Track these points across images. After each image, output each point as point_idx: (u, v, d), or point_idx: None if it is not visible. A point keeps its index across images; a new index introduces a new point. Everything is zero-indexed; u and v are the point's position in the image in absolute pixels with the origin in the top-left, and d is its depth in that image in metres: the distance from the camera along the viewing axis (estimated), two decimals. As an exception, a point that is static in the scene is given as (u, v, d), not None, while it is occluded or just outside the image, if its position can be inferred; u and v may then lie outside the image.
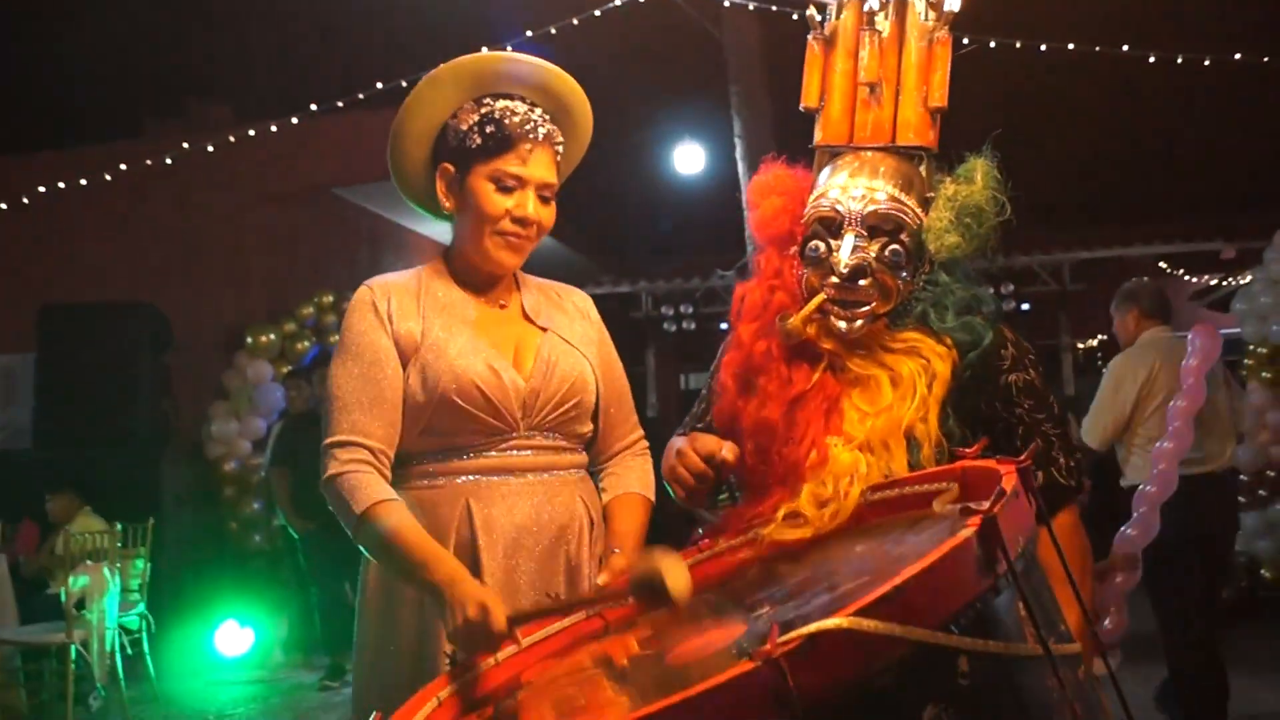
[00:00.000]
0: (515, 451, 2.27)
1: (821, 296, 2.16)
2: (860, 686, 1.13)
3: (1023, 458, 1.47)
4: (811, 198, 2.24)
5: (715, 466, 2.13)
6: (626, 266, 14.18)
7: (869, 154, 2.24)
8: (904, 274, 2.17)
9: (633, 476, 2.45)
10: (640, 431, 2.55)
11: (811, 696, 1.08)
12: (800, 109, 2.34)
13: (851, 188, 2.18)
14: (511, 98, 2.33)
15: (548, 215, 2.35)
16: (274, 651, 8.75)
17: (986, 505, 1.25)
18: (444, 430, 2.23)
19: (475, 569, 2.17)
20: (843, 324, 2.16)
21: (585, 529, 2.33)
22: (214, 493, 10.00)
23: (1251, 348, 8.64)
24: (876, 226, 2.16)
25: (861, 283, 2.15)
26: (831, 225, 2.18)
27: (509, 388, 2.25)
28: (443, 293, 2.34)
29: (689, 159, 10.97)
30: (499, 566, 2.20)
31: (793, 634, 1.10)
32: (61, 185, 9.08)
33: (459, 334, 2.27)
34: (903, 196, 2.18)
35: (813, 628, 1.10)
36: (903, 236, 2.17)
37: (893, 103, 2.27)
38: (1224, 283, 13.38)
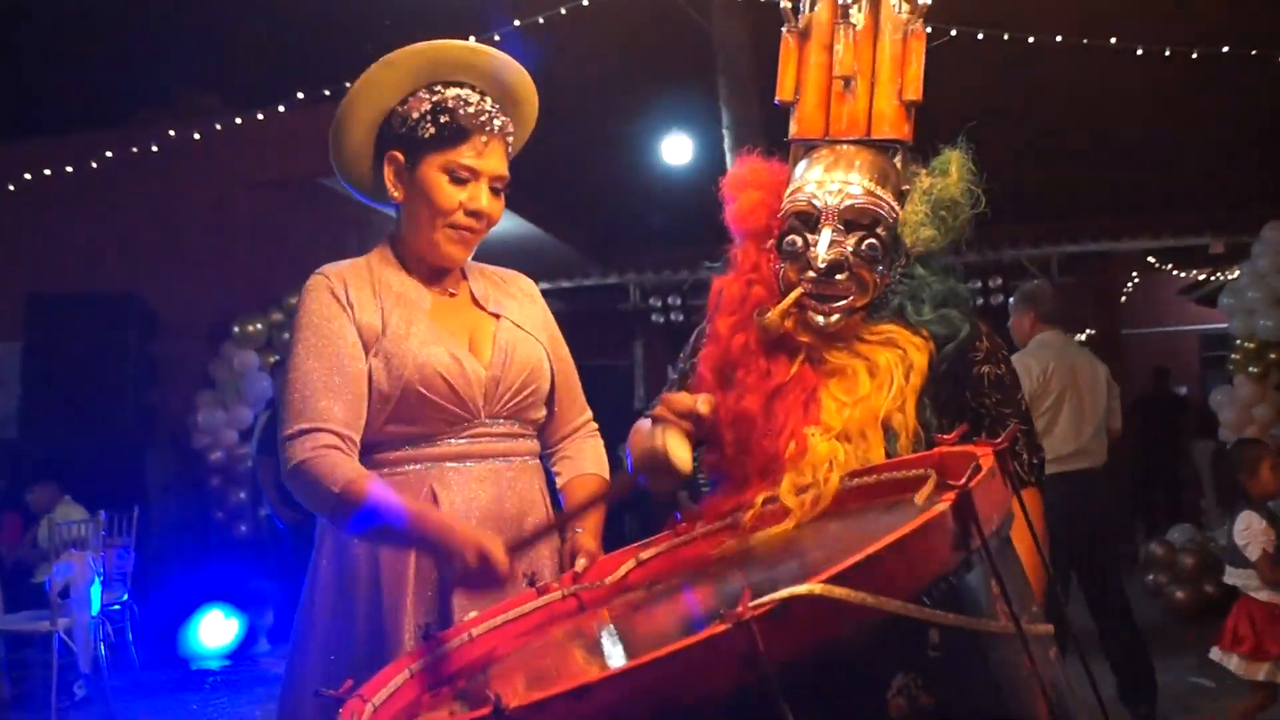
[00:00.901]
0: (476, 440, 2.27)
1: (799, 291, 2.16)
2: (830, 653, 1.13)
3: (1000, 440, 1.48)
4: (788, 192, 2.24)
5: (693, 420, 2.11)
6: (614, 258, 14.17)
7: (844, 147, 2.24)
8: (880, 268, 2.18)
9: (586, 457, 2.47)
10: (589, 413, 2.57)
11: (781, 661, 1.09)
12: (775, 103, 2.34)
13: (828, 182, 2.19)
14: (462, 85, 2.31)
15: (498, 208, 2.33)
16: (259, 641, 8.74)
17: (962, 481, 1.26)
18: (408, 419, 2.22)
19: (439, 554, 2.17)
20: (820, 318, 2.17)
21: (546, 516, 2.34)
22: (200, 482, 9.99)
23: (1239, 342, 8.69)
24: (853, 221, 2.16)
25: (838, 277, 2.15)
26: (808, 220, 2.18)
27: (471, 376, 2.24)
28: (395, 282, 2.31)
29: (677, 150, 10.96)
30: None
31: (765, 599, 1.10)
32: (48, 173, 9.05)
33: (418, 323, 2.26)
34: (879, 190, 2.19)
35: (785, 593, 1.10)
36: (879, 230, 2.17)
37: (868, 96, 2.27)
38: (1212, 278, 13.44)
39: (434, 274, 2.37)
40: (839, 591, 1.12)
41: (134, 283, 10.20)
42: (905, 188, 2.22)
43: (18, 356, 10.29)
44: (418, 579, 2.17)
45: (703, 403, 2.12)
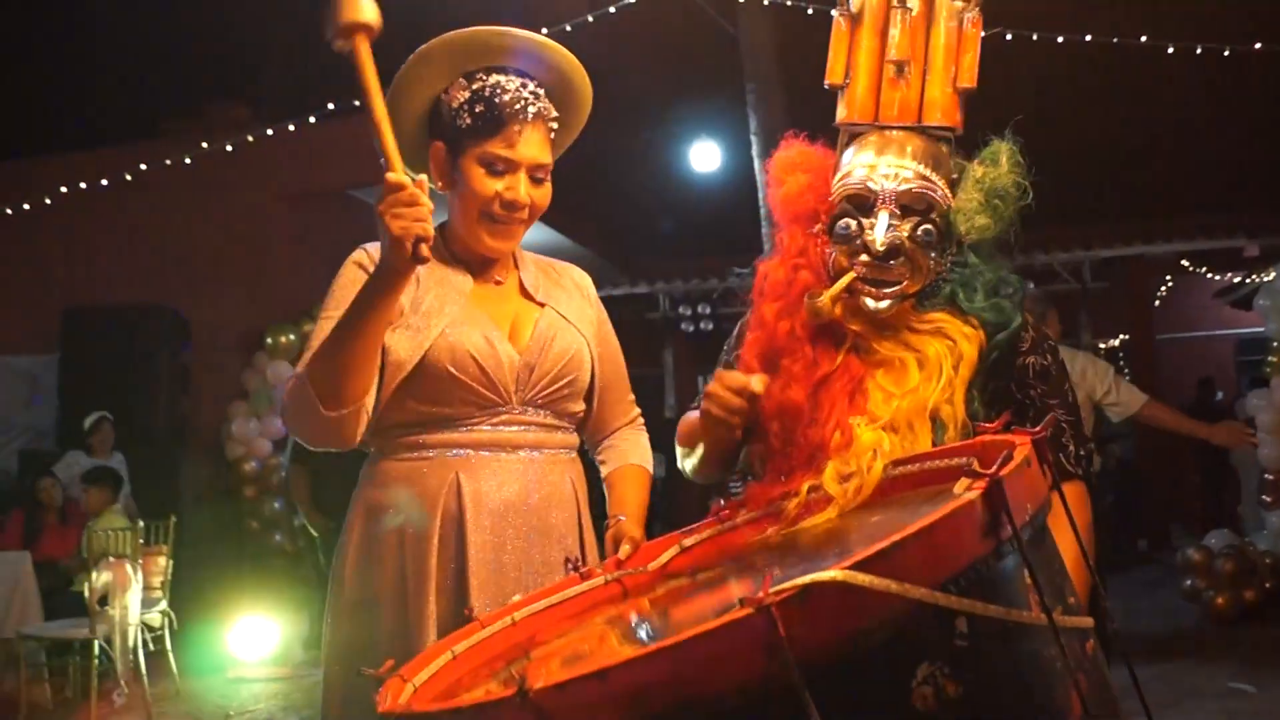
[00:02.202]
0: (506, 427, 2.25)
1: (851, 275, 2.14)
2: (854, 640, 1.12)
3: (1038, 429, 1.47)
4: (838, 176, 2.22)
5: (747, 398, 2.11)
6: (643, 267, 14.19)
7: (895, 133, 2.23)
8: (934, 254, 2.17)
9: (632, 449, 2.46)
10: (637, 409, 2.55)
11: (803, 647, 1.08)
12: (825, 86, 2.32)
13: (882, 165, 2.17)
14: (505, 72, 2.27)
15: (541, 196, 2.30)
16: (294, 648, 8.77)
17: (993, 469, 1.25)
18: (436, 400, 2.20)
19: (461, 542, 2.16)
20: (873, 303, 2.15)
21: (575, 510, 2.32)
22: (234, 492, 10.05)
23: (1275, 345, 8.62)
24: (909, 205, 2.15)
25: (894, 262, 2.13)
26: (863, 203, 2.16)
27: (503, 359, 2.22)
28: (438, 265, 2.29)
29: (705, 157, 10.95)
30: (486, 542, 2.18)
31: (787, 584, 1.09)
32: (83, 186, 9.13)
33: (453, 304, 2.24)
34: (933, 176, 2.17)
35: (807, 579, 1.10)
36: (934, 216, 2.16)
37: (919, 83, 2.26)
38: (1247, 280, 13.31)
39: (482, 262, 2.35)
40: (862, 578, 1.11)
41: (167, 295, 10.29)
42: (954, 176, 2.21)
43: (55, 369, 10.40)
44: (439, 570, 2.17)
45: (757, 381, 2.11)
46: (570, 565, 2.00)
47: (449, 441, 2.22)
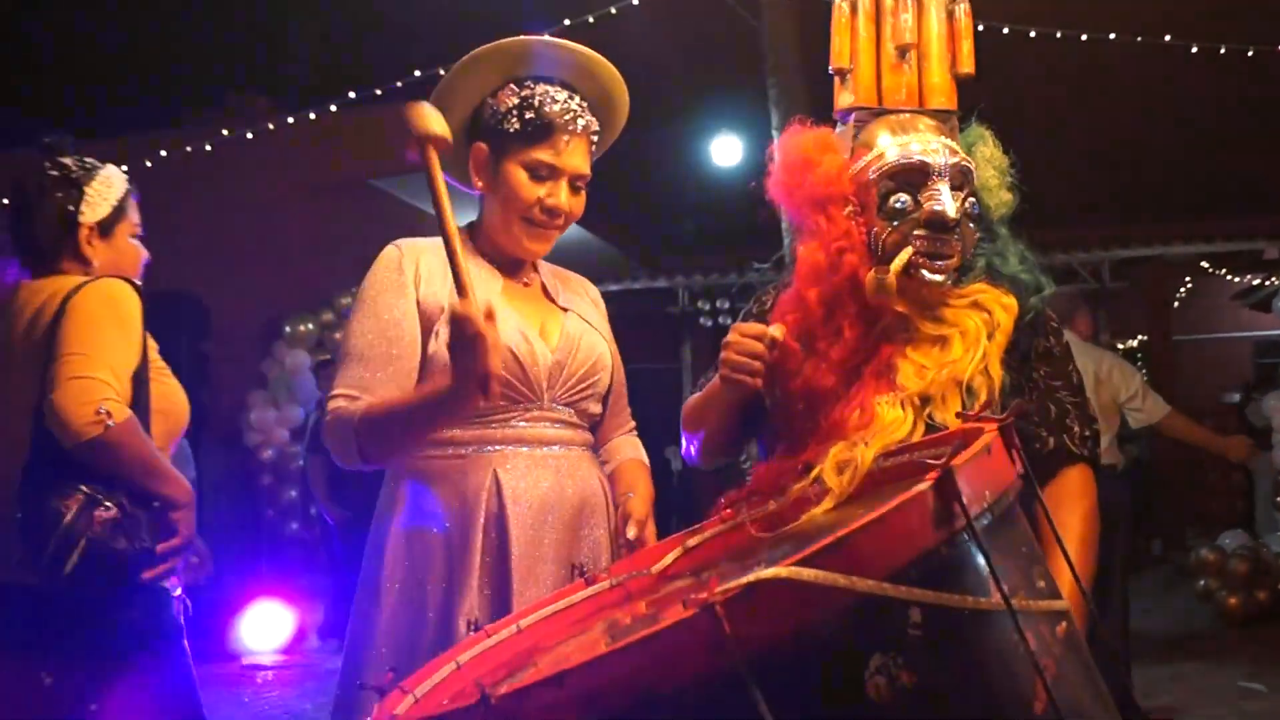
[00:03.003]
0: (538, 424, 2.29)
1: (910, 250, 2.14)
2: (803, 634, 1.14)
3: (1005, 416, 1.48)
4: (870, 155, 2.21)
5: (768, 344, 2.10)
6: (662, 261, 14.17)
7: (908, 115, 2.25)
8: (975, 228, 2.21)
9: (634, 450, 2.54)
10: (633, 422, 2.62)
11: (752, 643, 1.11)
12: (830, 71, 2.34)
13: (920, 141, 2.18)
14: (551, 82, 2.32)
15: (578, 205, 2.36)
16: (310, 637, 8.81)
17: (943, 460, 1.26)
18: None
19: (503, 540, 2.19)
20: (930, 275, 2.14)
21: (604, 505, 2.36)
22: (252, 480, 10.08)
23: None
24: (957, 180, 2.16)
25: (959, 231, 2.15)
26: (917, 177, 2.16)
27: (538, 356, 2.27)
28: (472, 264, 2.30)
29: (726, 152, 10.92)
30: (526, 538, 2.21)
31: (732, 584, 1.12)
32: (103, 173, 9.15)
33: (491, 301, 2.24)
34: (963, 152, 2.21)
35: (751, 577, 1.12)
36: (971, 190, 2.19)
37: (916, 69, 2.30)
38: (1266, 283, 13.24)
39: (510, 264, 2.40)
40: (807, 574, 1.13)
41: (187, 282, 10.31)
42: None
43: (73, 355, 10.42)
44: (482, 568, 2.18)
45: (777, 328, 2.11)
46: (576, 571, 2.02)
47: (484, 438, 2.25)
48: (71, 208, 2.77)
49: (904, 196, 2.16)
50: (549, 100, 2.28)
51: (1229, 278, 14.66)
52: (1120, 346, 14.63)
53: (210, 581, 8.40)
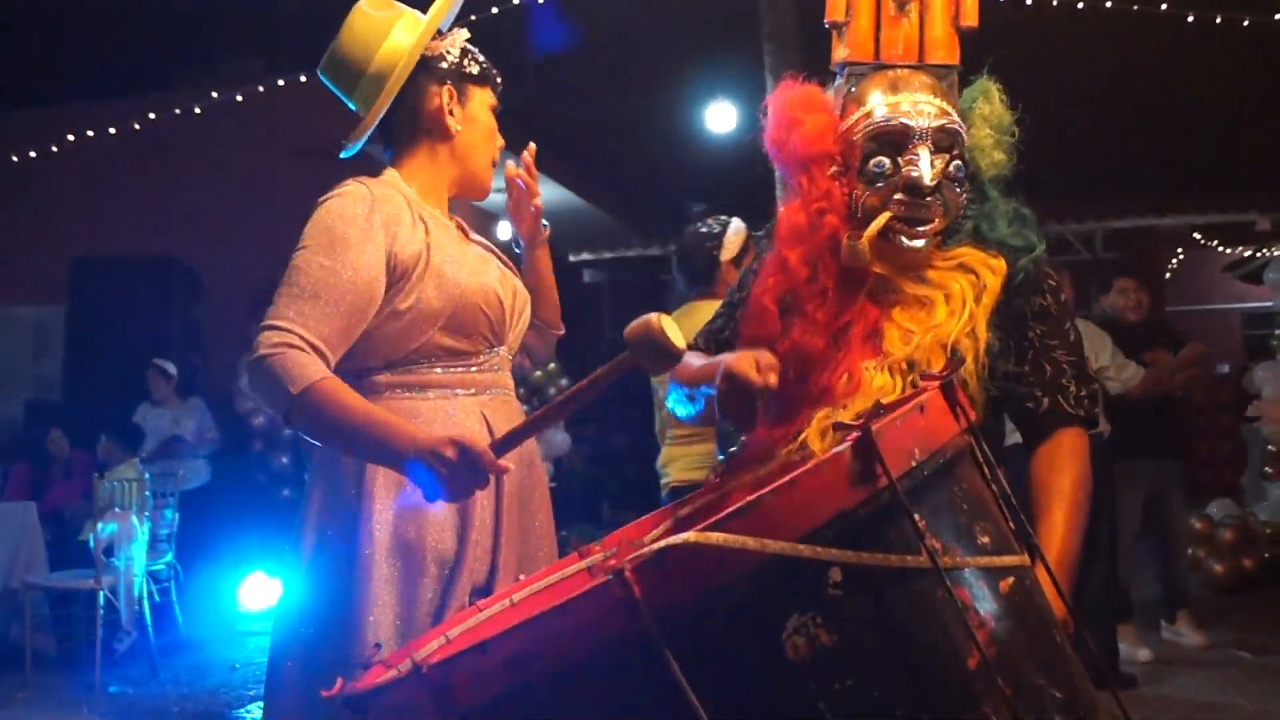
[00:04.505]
0: (502, 368, 2.32)
1: (887, 215, 2.12)
2: (717, 598, 1.17)
3: (944, 372, 1.48)
4: (857, 114, 2.19)
5: (760, 394, 2.05)
6: (656, 229, 14.14)
7: (902, 72, 2.21)
8: (962, 191, 2.17)
9: None
10: None
11: (665, 609, 1.14)
12: (826, 24, 2.31)
13: (908, 103, 2.15)
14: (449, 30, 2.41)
15: None
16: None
17: (861, 420, 1.26)
18: (462, 332, 2.21)
19: (498, 485, 2.19)
20: (908, 241, 2.13)
21: (538, 460, 2.40)
22: (243, 446, 10.06)
23: (1283, 319, 8.62)
24: (941, 142, 2.14)
25: (933, 198, 2.13)
26: (898, 140, 2.14)
27: (504, 299, 2.30)
28: (426, 211, 2.30)
29: (721, 118, 10.88)
30: (515, 485, 2.24)
31: (643, 550, 1.16)
32: (90, 134, 9.10)
33: (461, 247, 2.29)
34: (954, 112, 2.17)
35: (660, 544, 1.16)
36: (959, 152, 2.16)
37: (918, 22, 2.25)
38: (1257, 254, 13.26)
39: (442, 205, 2.39)
40: (715, 537, 1.15)
41: (177, 247, 10.27)
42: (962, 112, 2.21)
43: (61, 320, 10.40)
44: (479, 518, 2.19)
45: (772, 378, 2.03)
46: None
47: (466, 381, 2.24)
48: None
49: (883, 160, 2.14)
50: (475, 49, 2.39)
51: (1220, 249, 14.68)
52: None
53: (201, 548, 8.42)
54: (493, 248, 2.45)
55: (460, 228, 2.40)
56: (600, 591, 1.16)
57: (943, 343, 2.07)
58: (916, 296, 2.15)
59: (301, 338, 2.02)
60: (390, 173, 2.35)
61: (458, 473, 1.86)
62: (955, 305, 2.10)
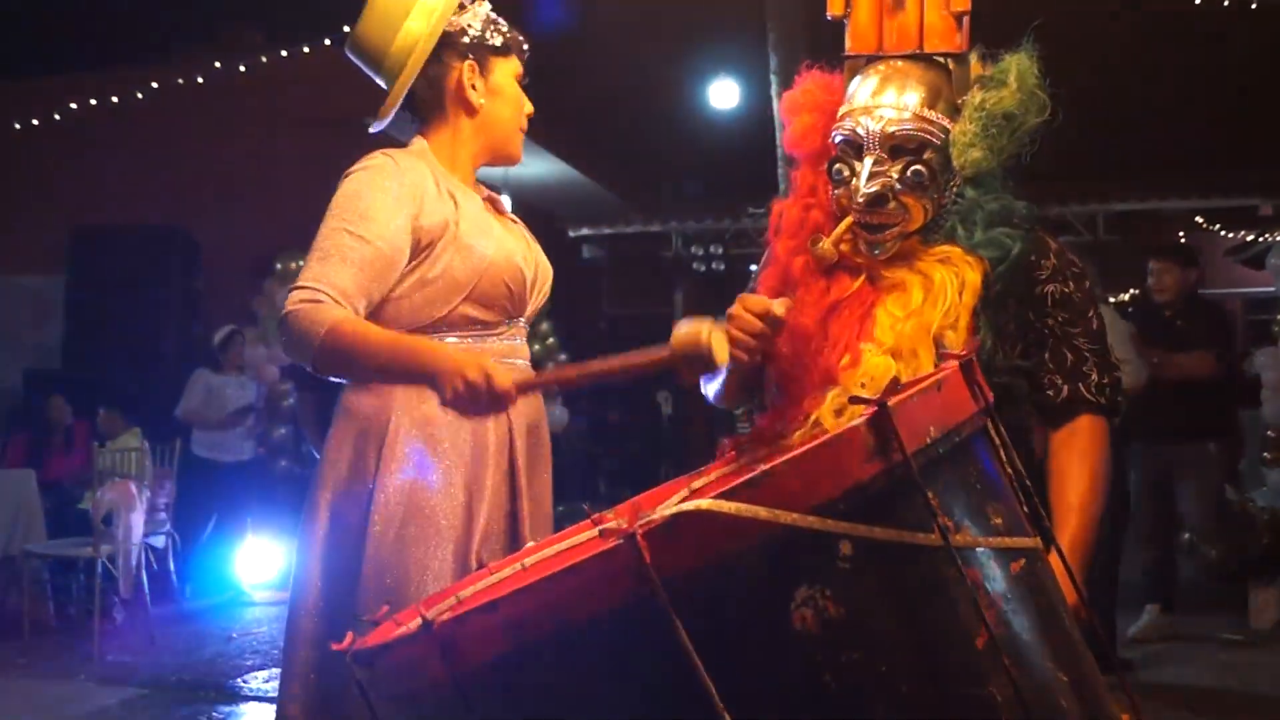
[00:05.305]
0: (516, 339, 2.35)
1: (850, 219, 2.14)
2: (726, 566, 1.18)
3: (964, 352, 1.47)
4: (839, 114, 2.20)
5: (770, 323, 2.09)
6: (656, 205, 14.11)
7: (897, 63, 2.21)
8: (930, 193, 2.14)
9: None
10: None
11: (675, 575, 1.15)
12: (828, 18, 2.32)
13: (874, 108, 2.14)
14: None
15: None
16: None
17: (879, 395, 1.27)
18: (485, 303, 2.26)
19: (510, 449, 2.26)
20: (871, 248, 2.15)
21: (545, 426, 2.43)
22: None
23: (1285, 304, 8.60)
24: (899, 147, 2.13)
25: (886, 206, 2.12)
26: (854, 147, 2.15)
27: (526, 272, 2.34)
28: (451, 183, 2.34)
29: (723, 96, 10.85)
30: (524, 451, 2.28)
31: (656, 515, 1.17)
32: (93, 102, 9.08)
33: (487, 218, 2.33)
34: (927, 112, 2.14)
35: (673, 509, 1.17)
36: (926, 155, 2.13)
37: (918, 9, 2.24)
38: (1259, 239, 13.24)
39: (470, 177, 2.43)
40: (728, 506, 1.16)
41: (178, 217, 10.26)
42: (960, 101, 2.17)
43: (61, 289, 10.39)
44: (493, 484, 2.24)
45: (779, 304, 2.09)
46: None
47: (487, 351, 2.25)
48: None
49: (842, 166, 2.17)
50: (500, 18, 2.41)
51: (1223, 233, 14.65)
52: (1113, 299, 14.63)
53: (200, 516, 8.44)
54: (517, 220, 2.50)
55: (491, 200, 2.44)
56: (610, 555, 1.16)
57: (925, 331, 2.07)
58: (903, 283, 2.15)
59: (325, 293, 2.11)
60: (419, 142, 2.41)
61: (476, 393, 1.99)
62: (937, 294, 2.10)
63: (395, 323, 2.22)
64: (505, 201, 2.53)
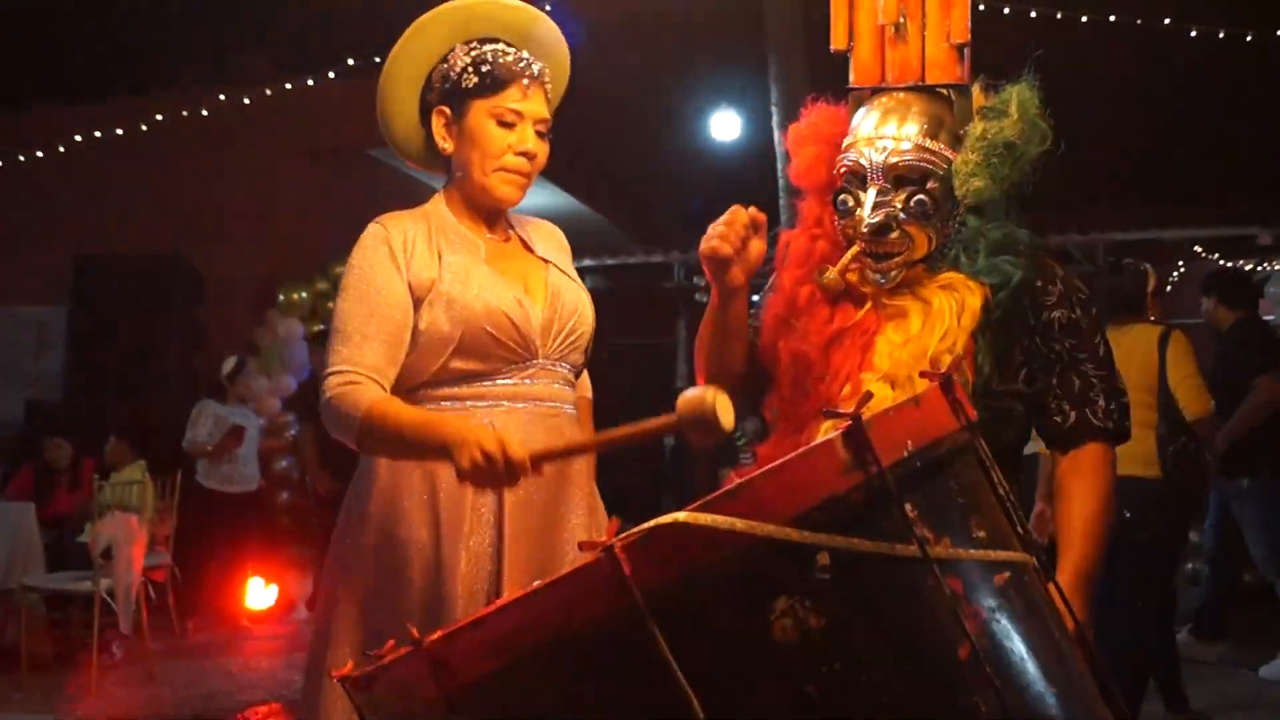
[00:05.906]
0: (535, 380, 2.34)
1: (856, 248, 2.17)
2: (705, 578, 1.20)
3: (944, 370, 1.48)
4: (843, 145, 2.24)
5: (745, 223, 2.12)
6: (658, 236, 14.12)
7: (900, 95, 2.24)
8: (934, 222, 2.17)
9: (584, 388, 2.64)
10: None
11: (655, 586, 1.18)
12: (830, 51, 2.34)
13: (877, 138, 2.18)
14: (496, 41, 2.39)
15: (544, 150, 2.41)
16: (298, 607, 8.81)
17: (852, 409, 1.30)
18: (475, 355, 2.28)
19: (498, 492, 2.25)
20: (876, 276, 2.18)
21: (587, 469, 2.43)
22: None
23: (1285, 333, 8.58)
24: (903, 177, 2.16)
25: (890, 235, 2.15)
26: (858, 178, 2.18)
27: (531, 316, 2.32)
28: (452, 231, 2.39)
29: (725, 127, 10.88)
30: (518, 496, 2.27)
31: (634, 529, 1.19)
32: (98, 135, 9.11)
33: (477, 269, 2.33)
34: (929, 143, 2.17)
35: (651, 522, 1.19)
36: (929, 185, 2.16)
37: (919, 41, 2.27)
38: (1259, 268, 13.25)
39: (489, 220, 2.45)
40: (704, 518, 1.19)
41: (181, 247, 10.28)
42: (963, 132, 2.20)
43: (64, 318, 10.40)
44: (471, 524, 2.26)
45: (754, 210, 2.13)
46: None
47: (485, 394, 2.31)
48: None
49: (847, 197, 2.20)
50: (499, 54, 2.36)
51: (1223, 263, 14.66)
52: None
53: (200, 549, 8.40)
54: (549, 260, 2.49)
55: (521, 241, 2.50)
56: (591, 568, 1.19)
57: (921, 357, 2.09)
58: (904, 310, 2.18)
59: (357, 373, 2.24)
60: (436, 197, 2.47)
61: (488, 467, 2.00)
62: (935, 320, 2.13)
63: (395, 383, 2.30)
64: (547, 235, 2.56)
